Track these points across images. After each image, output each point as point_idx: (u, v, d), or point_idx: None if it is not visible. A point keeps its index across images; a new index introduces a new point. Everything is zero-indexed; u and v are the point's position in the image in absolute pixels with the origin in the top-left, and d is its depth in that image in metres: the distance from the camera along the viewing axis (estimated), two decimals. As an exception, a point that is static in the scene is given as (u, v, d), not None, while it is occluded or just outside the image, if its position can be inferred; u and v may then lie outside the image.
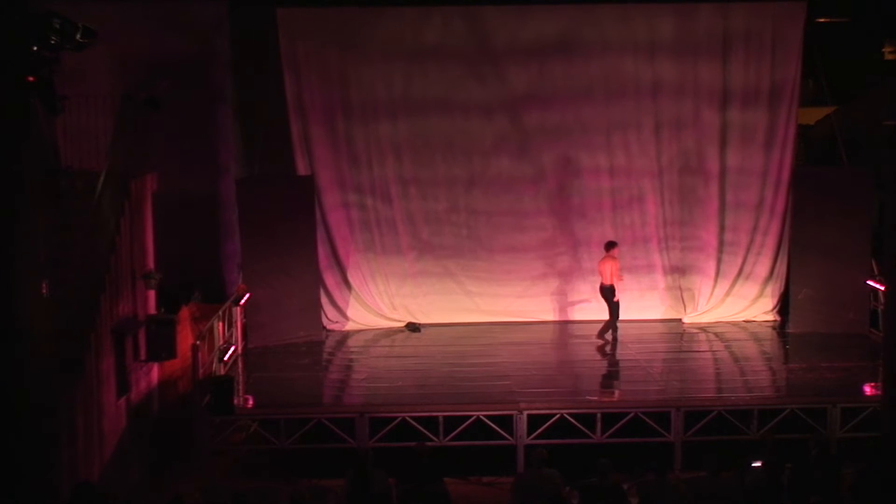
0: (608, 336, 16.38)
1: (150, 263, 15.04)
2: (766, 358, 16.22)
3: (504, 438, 13.12)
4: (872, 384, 13.81)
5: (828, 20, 18.20)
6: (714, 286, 17.77)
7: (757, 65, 17.24)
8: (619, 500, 10.09)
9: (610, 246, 16.35)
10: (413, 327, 17.61)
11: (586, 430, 13.10)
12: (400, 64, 17.20)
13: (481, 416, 13.16)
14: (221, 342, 14.96)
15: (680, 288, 17.90)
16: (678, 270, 17.85)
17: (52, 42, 9.63)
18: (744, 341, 16.87)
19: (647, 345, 16.49)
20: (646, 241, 17.78)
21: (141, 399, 14.43)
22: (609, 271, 16.15)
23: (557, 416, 13.14)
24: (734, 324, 17.63)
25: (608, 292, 16.22)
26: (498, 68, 17.28)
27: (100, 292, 12.79)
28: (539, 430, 13.07)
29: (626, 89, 17.34)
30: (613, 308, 16.27)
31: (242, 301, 15.93)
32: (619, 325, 16.41)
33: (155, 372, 15.10)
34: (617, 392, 14.70)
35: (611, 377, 15.36)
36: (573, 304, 17.72)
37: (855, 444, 12.57)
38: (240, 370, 15.15)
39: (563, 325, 16.84)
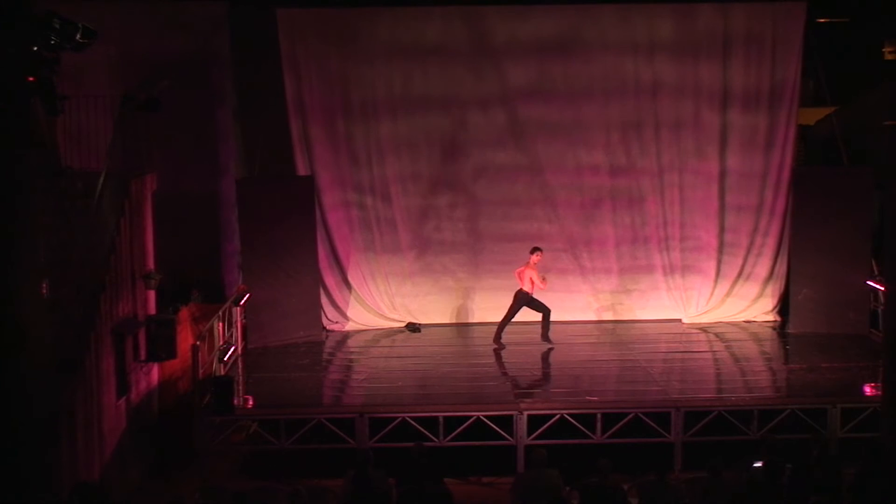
0: (501, 341, 16.18)
1: (150, 263, 15.03)
2: (766, 358, 16.20)
3: (504, 439, 13.11)
4: (872, 384, 13.78)
5: (828, 20, 18.15)
6: (714, 286, 17.76)
7: (757, 65, 17.22)
8: (619, 500, 10.08)
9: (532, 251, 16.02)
10: (413, 327, 17.60)
11: (586, 431, 13.09)
12: (400, 64, 17.20)
13: (481, 417, 13.14)
14: (221, 342, 14.95)
15: (680, 288, 17.90)
16: (678, 271, 17.82)
17: (52, 42, 9.62)
18: (744, 341, 16.84)
19: (647, 345, 16.50)
20: (646, 241, 17.77)
21: (141, 399, 14.42)
22: (527, 277, 15.90)
23: (557, 416, 13.14)
24: (734, 324, 17.62)
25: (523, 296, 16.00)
26: (498, 68, 17.25)
27: (100, 292, 12.78)
28: (539, 431, 13.06)
29: (626, 89, 17.32)
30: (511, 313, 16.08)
31: (242, 301, 15.92)
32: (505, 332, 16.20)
33: (155, 372, 15.09)
34: (616, 392, 14.68)
35: (612, 377, 15.34)
36: (573, 304, 17.72)
37: (855, 444, 12.55)
38: (240, 370, 15.13)
39: (563, 325, 16.80)
